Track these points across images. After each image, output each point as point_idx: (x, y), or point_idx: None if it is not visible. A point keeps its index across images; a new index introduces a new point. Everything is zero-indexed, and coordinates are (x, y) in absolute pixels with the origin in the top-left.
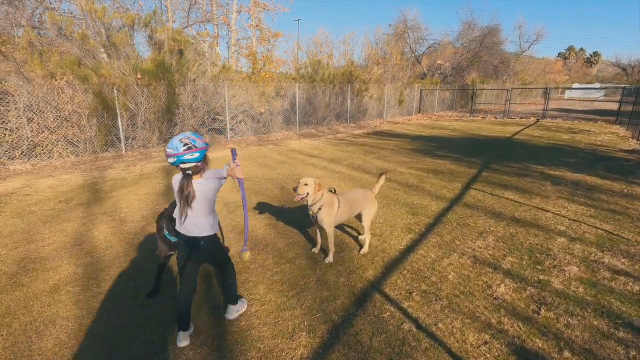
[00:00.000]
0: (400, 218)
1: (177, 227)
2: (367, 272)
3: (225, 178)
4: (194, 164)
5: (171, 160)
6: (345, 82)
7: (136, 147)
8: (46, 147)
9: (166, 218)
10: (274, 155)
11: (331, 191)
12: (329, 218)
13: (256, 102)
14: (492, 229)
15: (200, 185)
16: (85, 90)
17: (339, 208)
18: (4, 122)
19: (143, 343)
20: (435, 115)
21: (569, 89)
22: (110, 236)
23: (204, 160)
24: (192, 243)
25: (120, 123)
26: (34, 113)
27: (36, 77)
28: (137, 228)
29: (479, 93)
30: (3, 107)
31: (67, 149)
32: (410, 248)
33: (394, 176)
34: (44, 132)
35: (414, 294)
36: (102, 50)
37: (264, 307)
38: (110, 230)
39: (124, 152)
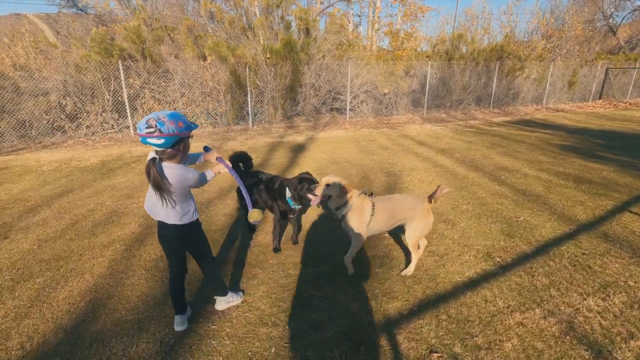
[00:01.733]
0: (484, 237)
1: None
2: (393, 302)
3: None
4: (161, 149)
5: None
6: (493, 60)
7: (262, 122)
8: (191, 117)
9: (295, 184)
10: (381, 139)
11: (367, 194)
12: (357, 226)
13: (380, 81)
14: (630, 282)
15: (170, 170)
16: (224, 69)
17: (371, 216)
18: (164, 95)
19: (136, 312)
20: (625, 103)
21: None
22: None
23: (177, 147)
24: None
25: (249, 99)
26: (185, 88)
27: (189, 58)
28: (210, 198)
29: None
30: (164, 82)
31: (207, 120)
32: (473, 282)
33: (510, 179)
34: (191, 104)
35: (437, 355)
36: (242, 32)
37: (246, 315)
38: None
39: (250, 125)
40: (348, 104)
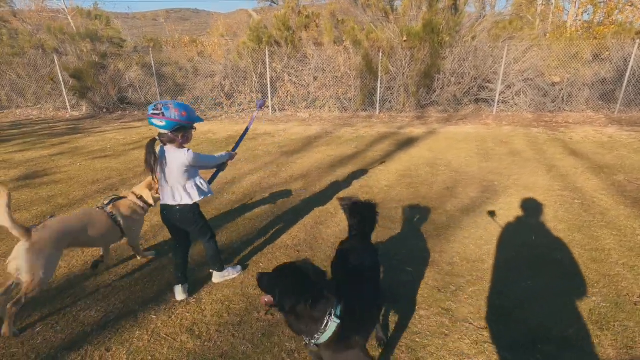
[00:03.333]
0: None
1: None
2: None
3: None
4: (164, 131)
5: None
6: None
7: (392, 110)
8: (322, 101)
9: None
10: (519, 142)
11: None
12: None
13: (551, 67)
14: None
15: (168, 153)
16: (357, 53)
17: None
18: (300, 78)
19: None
20: None
21: None
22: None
23: (177, 133)
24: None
25: (378, 85)
26: (319, 72)
27: (326, 43)
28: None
29: None
30: (302, 67)
31: (336, 104)
32: None
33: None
34: (322, 88)
35: None
36: (384, 15)
37: (206, 310)
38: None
39: (377, 112)
40: (498, 94)
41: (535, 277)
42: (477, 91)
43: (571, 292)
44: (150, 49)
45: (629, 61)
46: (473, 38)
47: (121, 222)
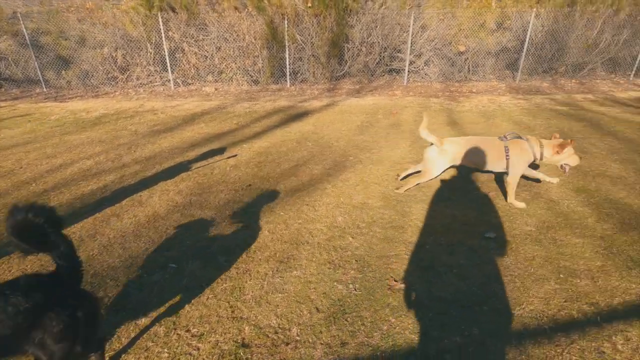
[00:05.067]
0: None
1: None
2: None
3: None
4: None
5: None
6: None
7: (305, 82)
8: (228, 73)
9: None
10: (408, 112)
11: None
12: None
13: (458, 36)
14: None
15: None
16: (261, 21)
17: None
18: (202, 49)
19: None
20: None
21: None
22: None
23: None
24: None
25: (287, 55)
26: (221, 42)
27: (225, 9)
28: None
29: None
30: (203, 36)
31: (244, 77)
32: None
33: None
34: (227, 60)
35: None
36: None
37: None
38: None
39: (287, 85)
40: (407, 64)
41: (305, 267)
42: (389, 61)
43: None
44: (20, 15)
45: (528, 30)
46: (382, 5)
47: (510, 157)
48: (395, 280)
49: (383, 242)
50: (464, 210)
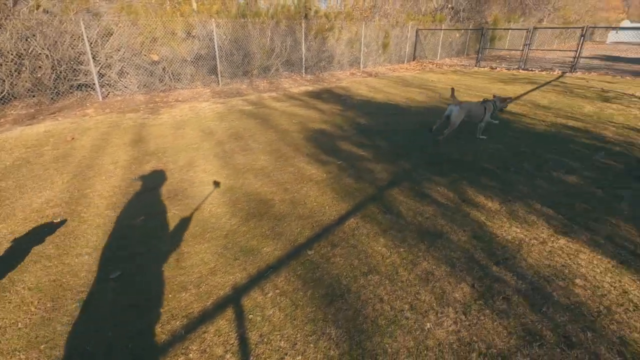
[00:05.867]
0: None
1: None
2: None
3: None
4: None
5: None
6: (298, 18)
7: None
8: None
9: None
10: (89, 138)
11: None
12: None
13: (146, 45)
14: None
15: None
16: None
17: None
18: None
19: None
20: (434, 63)
21: (614, 28)
22: None
23: None
24: None
25: None
26: None
27: None
28: None
29: (500, 35)
30: None
31: None
32: None
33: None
34: None
35: None
36: None
37: None
38: None
39: None
40: (96, 78)
41: None
42: (72, 76)
43: None
44: None
45: (214, 38)
46: (35, 9)
47: (485, 111)
48: None
49: None
50: None
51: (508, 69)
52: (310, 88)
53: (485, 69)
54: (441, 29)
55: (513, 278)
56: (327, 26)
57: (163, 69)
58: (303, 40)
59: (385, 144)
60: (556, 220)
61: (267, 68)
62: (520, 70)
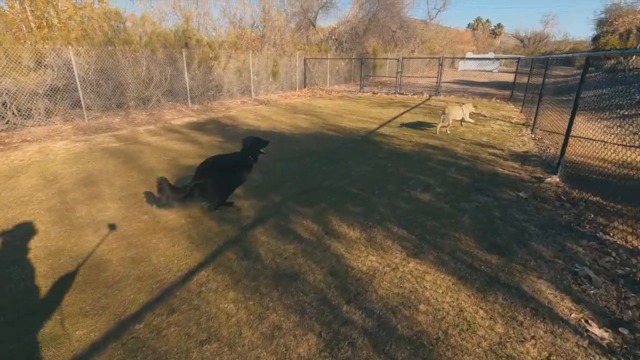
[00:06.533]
0: None
1: None
2: None
3: None
4: None
5: None
6: (178, 47)
7: None
8: None
9: None
10: None
11: None
12: None
13: None
14: None
15: None
16: None
17: None
18: None
19: None
20: (324, 90)
21: (462, 58)
22: None
23: None
24: None
25: None
26: None
27: None
28: None
29: (381, 63)
30: None
31: None
32: None
33: None
34: None
35: None
36: None
37: None
38: None
39: None
40: None
41: None
42: None
43: None
44: None
45: (74, 68)
46: None
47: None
48: None
49: None
50: None
51: (387, 94)
52: (194, 119)
53: (368, 94)
54: (327, 58)
55: (362, 317)
56: (211, 55)
57: (3, 104)
58: (186, 70)
59: (259, 176)
60: (409, 242)
61: (147, 99)
62: (397, 95)
